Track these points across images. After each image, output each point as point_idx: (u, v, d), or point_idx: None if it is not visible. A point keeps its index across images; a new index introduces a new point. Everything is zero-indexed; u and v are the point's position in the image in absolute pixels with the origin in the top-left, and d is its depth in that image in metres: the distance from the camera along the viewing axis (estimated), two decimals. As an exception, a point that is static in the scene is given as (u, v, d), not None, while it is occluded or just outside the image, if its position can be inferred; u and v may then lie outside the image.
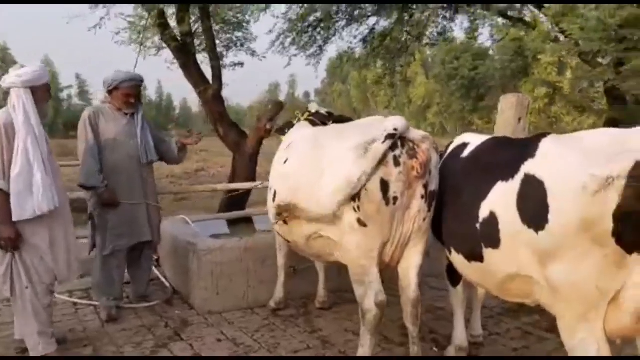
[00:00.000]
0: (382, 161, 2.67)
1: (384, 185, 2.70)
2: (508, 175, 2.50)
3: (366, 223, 2.76)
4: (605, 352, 2.22)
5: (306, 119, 4.24)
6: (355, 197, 2.74)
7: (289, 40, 8.53)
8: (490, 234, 2.54)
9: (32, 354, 3.25)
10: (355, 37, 9.44)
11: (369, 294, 2.85)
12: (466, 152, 3.10)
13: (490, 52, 32.81)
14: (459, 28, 10.19)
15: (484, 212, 2.59)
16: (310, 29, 8.70)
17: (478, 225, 2.61)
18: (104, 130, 4.01)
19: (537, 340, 3.74)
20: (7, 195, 3.07)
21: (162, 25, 5.87)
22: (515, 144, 2.78)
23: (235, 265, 4.27)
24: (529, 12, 8.02)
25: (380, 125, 2.81)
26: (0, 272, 3.19)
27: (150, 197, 4.19)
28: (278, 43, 8.56)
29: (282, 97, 68.07)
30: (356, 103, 46.01)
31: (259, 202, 9.55)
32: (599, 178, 2.07)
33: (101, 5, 5.82)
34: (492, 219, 2.54)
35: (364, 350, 2.94)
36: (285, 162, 3.40)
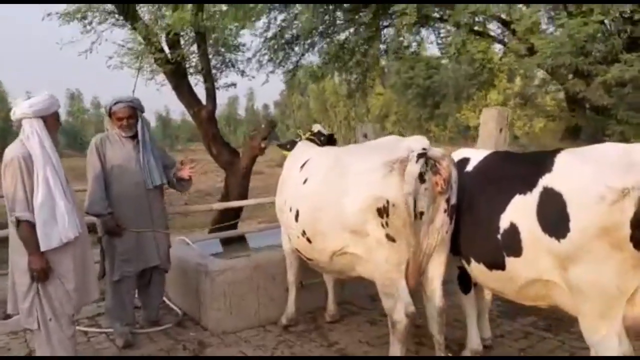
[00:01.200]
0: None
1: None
2: (526, 188, 2.73)
3: (395, 238, 2.93)
4: (626, 345, 2.47)
5: (307, 138, 4.42)
6: (382, 213, 2.91)
7: (266, 57, 8.70)
8: (512, 243, 2.76)
9: (59, 385, 3.22)
10: (328, 53, 9.64)
11: (399, 305, 3.02)
12: (470, 167, 3.32)
13: (444, 62, 33.77)
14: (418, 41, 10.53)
15: (504, 224, 2.80)
16: (286, 46, 8.89)
17: (499, 236, 2.82)
18: (110, 157, 4.04)
19: (538, 339, 3.99)
20: (33, 226, 3.06)
21: (157, 49, 5.91)
22: (528, 159, 3.02)
23: (247, 284, 4.35)
24: (496, 27, 8.52)
25: (401, 145, 3.00)
26: (25, 306, 3.16)
27: (157, 222, 4.20)
28: (255, 60, 8.72)
29: (240, 110, 67.64)
30: (316, 114, 46.32)
31: (250, 217, 9.65)
32: (616, 189, 2.33)
33: (92, 31, 5.85)
34: (513, 229, 2.76)
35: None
36: (305, 181, 3.53)
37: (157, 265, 4.23)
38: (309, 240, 3.46)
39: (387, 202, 2.88)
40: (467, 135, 30.80)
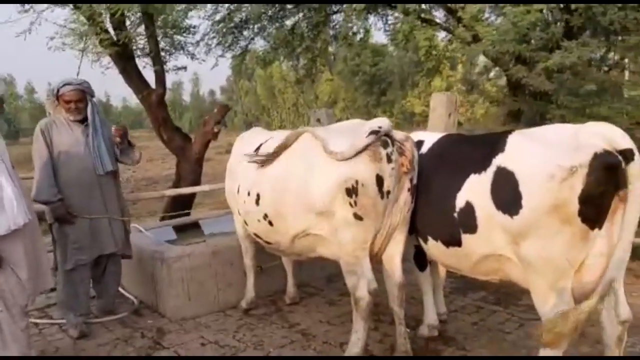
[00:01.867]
0: (376, 158, 2.93)
1: (379, 181, 2.96)
2: (480, 168, 2.84)
3: (362, 217, 2.99)
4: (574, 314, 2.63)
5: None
6: (352, 193, 2.96)
7: (215, 41, 8.50)
8: (468, 221, 2.88)
9: (14, 379, 3.10)
10: (277, 38, 9.56)
11: (362, 283, 3.09)
12: (425, 149, 3.42)
13: (390, 49, 34.28)
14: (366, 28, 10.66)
15: (460, 203, 2.92)
16: (235, 30, 8.72)
17: (455, 215, 2.94)
18: (58, 142, 3.88)
19: (489, 313, 4.20)
20: None
21: (101, 30, 5.65)
22: (481, 140, 3.15)
23: (205, 270, 4.31)
24: (442, 15, 8.71)
25: (366, 128, 3.06)
26: (-26, 297, 3.01)
27: (111, 208, 4.08)
28: (203, 44, 8.50)
29: (185, 96, 65.98)
30: (264, 100, 45.88)
31: (201, 204, 9.49)
32: (565, 168, 2.47)
33: (31, 10, 5.51)
34: (469, 208, 2.87)
35: (357, 335, 3.19)
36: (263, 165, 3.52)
37: (113, 252, 4.11)
38: (270, 224, 3.46)
39: (356, 182, 2.93)
40: (413, 121, 31.56)
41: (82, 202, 3.90)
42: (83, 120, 3.97)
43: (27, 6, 5.63)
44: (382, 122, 3.04)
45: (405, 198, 3.07)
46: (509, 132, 2.87)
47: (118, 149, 4.17)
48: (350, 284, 3.15)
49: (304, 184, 3.14)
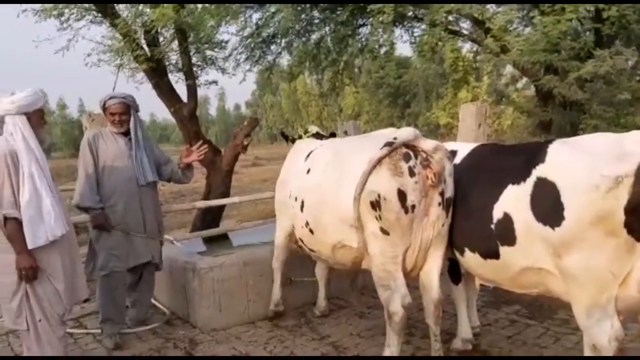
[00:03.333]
0: (397, 172, 2.90)
1: (401, 195, 2.90)
2: (519, 179, 2.78)
3: (388, 231, 2.96)
4: (618, 328, 2.54)
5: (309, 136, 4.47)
6: (375, 207, 2.93)
7: (243, 55, 8.61)
8: (505, 232, 2.81)
9: (51, 388, 3.13)
10: (305, 52, 9.64)
11: (395, 297, 3.04)
12: (459, 159, 3.37)
13: (415, 61, 34.27)
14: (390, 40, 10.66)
15: (497, 214, 2.85)
16: (263, 45, 8.83)
17: (493, 226, 2.87)
18: (103, 153, 4.00)
19: (524, 326, 4.09)
20: (20, 223, 2.97)
21: (137, 46, 5.80)
22: (519, 150, 3.09)
23: (236, 281, 4.32)
24: (469, 26, 8.67)
25: (390, 137, 3.04)
26: (13, 306, 3.06)
27: (149, 217, 4.14)
28: (232, 58, 8.62)
29: (211, 111, 67.24)
30: (288, 114, 46.36)
31: (227, 216, 9.55)
32: (610, 178, 2.40)
33: (69, 28, 5.72)
34: (507, 219, 2.81)
35: (391, 350, 3.13)
36: (308, 171, 3.54)
37: (148, 262, 4.16)
38: (311, 232, 3.47)
39: (379, 195, 2.90)
40: (438, 133, 31.39)
41: (121, 210, 3.99)
42: (127, 133, 4.09)
43: (65, 24, 5.83)
44: (408, 132, 3.01)
45: (437, 212, 3.00)
46: (549, 141, 2.81)
47: (180, 166, 4.33)
48: (384, 298, 3.09)
49: (336, 196, 3.13)
